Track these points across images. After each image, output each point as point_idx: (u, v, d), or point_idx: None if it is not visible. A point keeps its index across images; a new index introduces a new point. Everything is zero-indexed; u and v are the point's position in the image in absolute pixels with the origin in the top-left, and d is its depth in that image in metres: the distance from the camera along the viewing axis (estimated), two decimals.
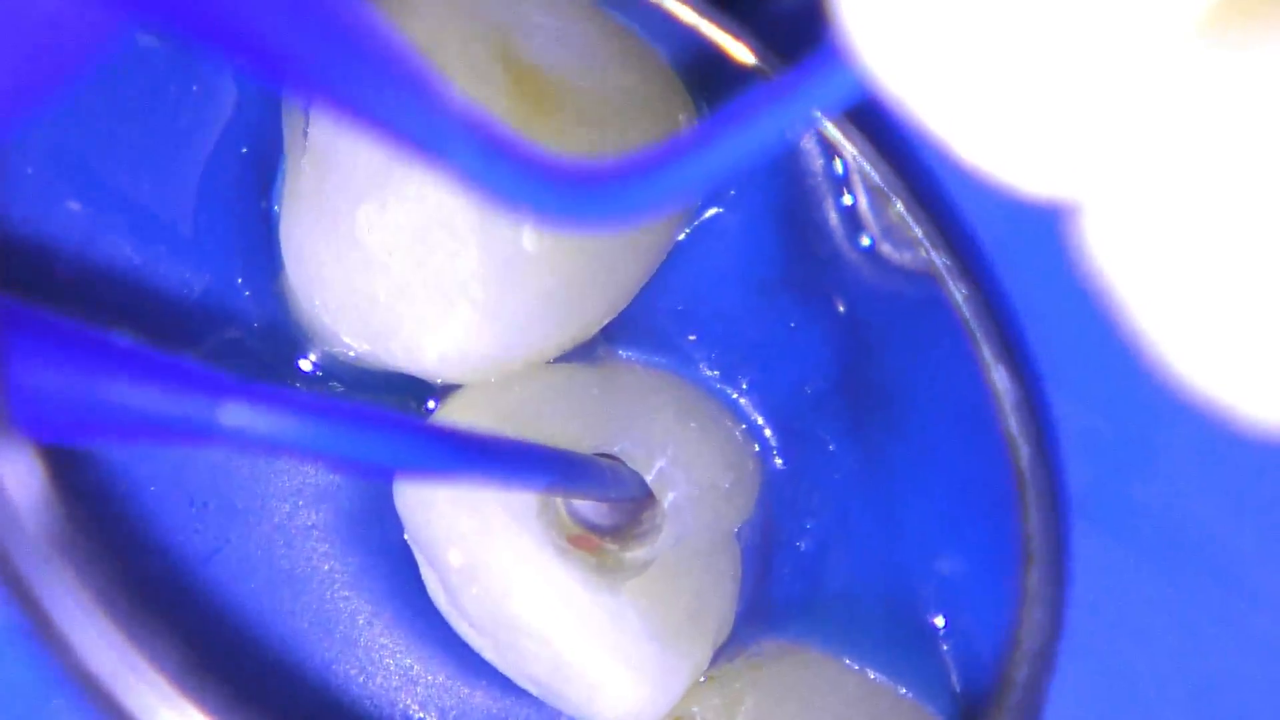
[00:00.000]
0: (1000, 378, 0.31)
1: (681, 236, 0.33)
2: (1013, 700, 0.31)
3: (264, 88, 0.32)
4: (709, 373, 0.33)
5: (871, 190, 0.32)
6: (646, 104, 0.31)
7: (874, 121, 0.31)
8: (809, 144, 0.33)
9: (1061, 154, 0.16)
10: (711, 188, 0.32)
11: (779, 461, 0.33)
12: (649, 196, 0.20)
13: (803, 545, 0.33)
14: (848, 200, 0.33)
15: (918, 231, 0.31)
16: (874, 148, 0.31)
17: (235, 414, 0.22)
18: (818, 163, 0.33)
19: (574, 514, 0.32)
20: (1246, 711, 0.32)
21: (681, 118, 0.32)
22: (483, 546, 0.30)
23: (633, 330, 0.33)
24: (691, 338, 0.33)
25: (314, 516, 0.33)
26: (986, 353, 0.31)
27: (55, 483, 0.28)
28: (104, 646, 0.27)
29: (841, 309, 0.33)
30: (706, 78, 0.32)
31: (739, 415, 0.33)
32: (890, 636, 0.33)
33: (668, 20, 0.31)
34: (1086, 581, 0.32)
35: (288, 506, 0.33)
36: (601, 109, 0.31)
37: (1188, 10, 0.15)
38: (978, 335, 0.31)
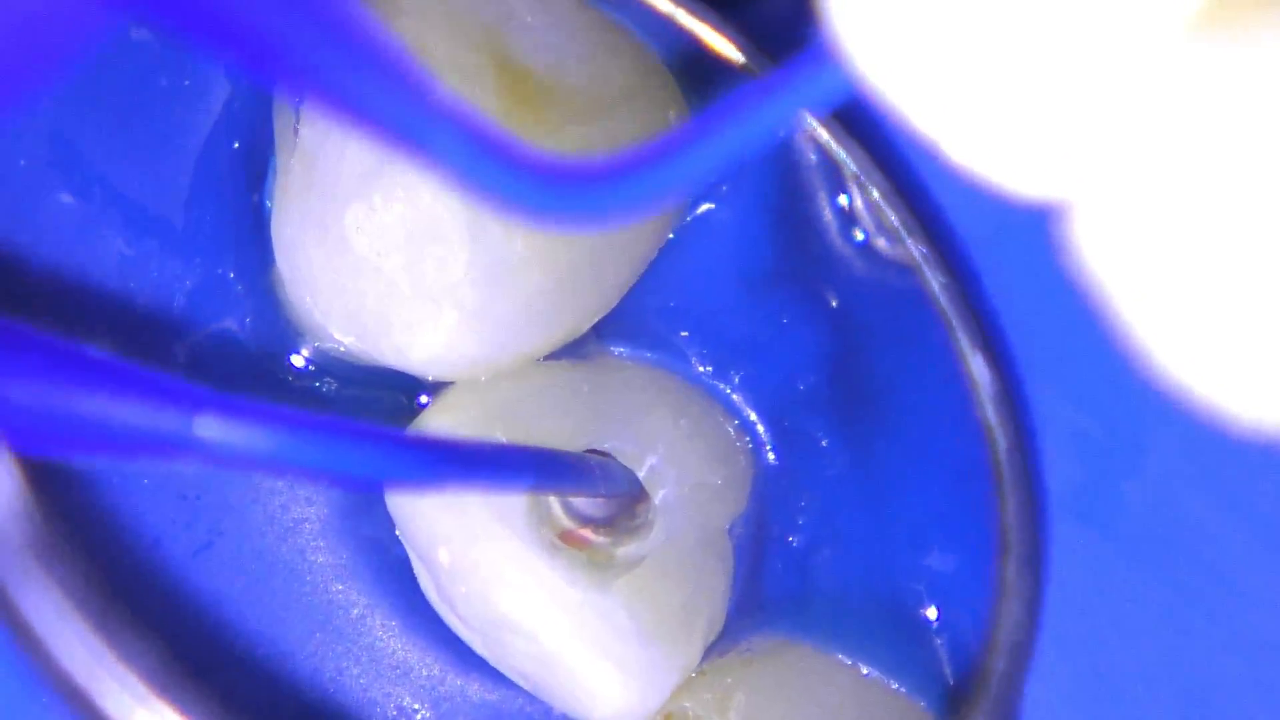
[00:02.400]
0: (978, 367, 0.31)
1: (672, 234, 0.33)
2: (991, 691, 0.31)
3: (255, 83, 0.32)
4: (701, 369, 0.33)
5: (865, 185, 0.32)
6: (637, 101, 0.31)
7: (850, 112, 0.32)
8: (802, 139, 0.33)
9: (1050, 153, 0.16)
10: (700, 186, 0.32)
11: (771, 457, 0.33)
12: (638, 194, 0.20)
13: (795, 541, 0.33)
14: (842, 199, 0.33)
15: (894, 220, 0.31)
16: (851, 137, 0.31)
17: (211, 427, 0.22)
18: (811, 158, 0.33)
19: (568, 509, 0.32)
20: (1235, 708, 0.32)
21: (672, 115, 0.32)
22: (469, 546, 0.30)
23: (624, 327, 0.33)
24: (683, 334, 0.33)
25: (307, 510, 0.33)
26: (964, 342, 0.31)
27: (39, 483, 0.28)
28: (81, 649, 0.27)
29: (834, 305, 0.33)
30: (696, 75, 0.32)
31: (731, 411, 0.33)
32: (882, 631, 0.33)
33: (658, 17, 0.31)
34: (1076, 579, 0.32)
35: (281, 499, 0.33)
36: (592, 106, 0.31)
37: (1177, 8, 0.15)
38: (955, 325, 0.31)
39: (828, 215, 0.33)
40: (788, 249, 0.33)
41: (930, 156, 0.32)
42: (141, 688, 0.28)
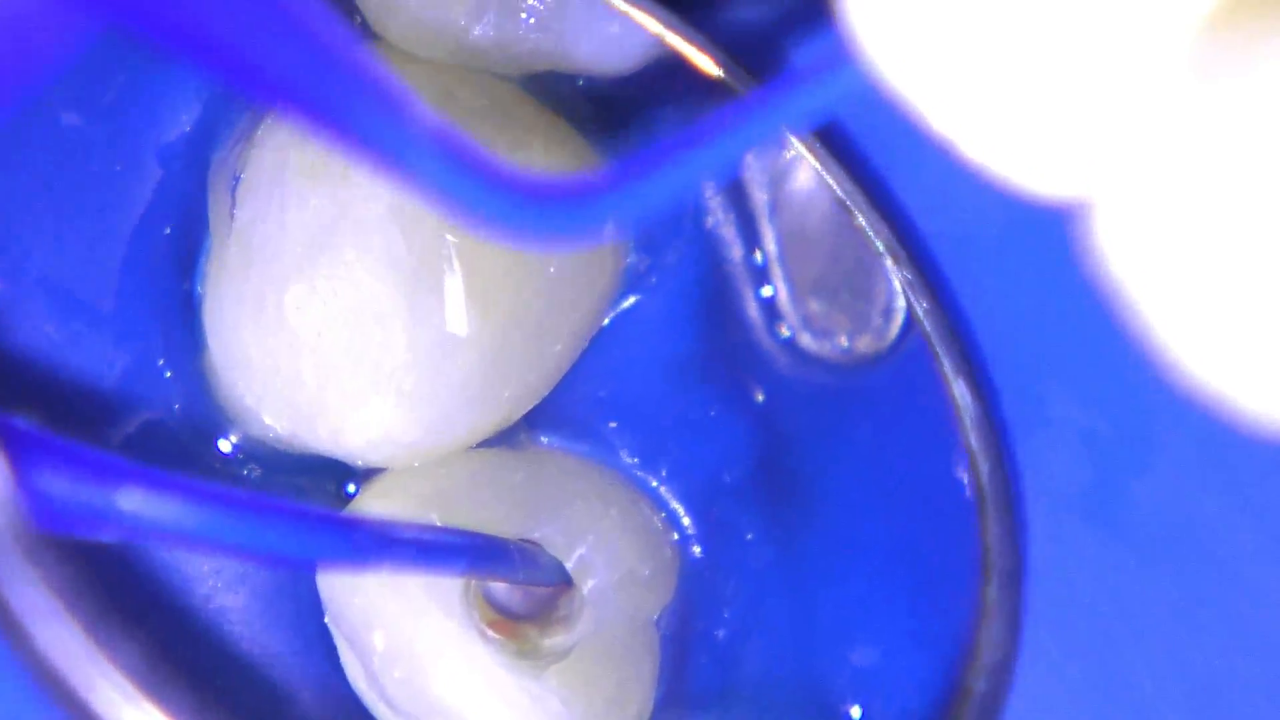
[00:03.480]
0: (960, 392, 0.31)
1: (606, 322, 0.33)
2: (971, 713, 0.31)
3: (232, 94, 0.32)
4: (628, 460, 0.33)
5: (792, 281, 0.33)
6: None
7: (835, 135, 0.32)
8: (729, 233, 0.33)
9: (1066, 152, 0.16)
10: (676, 204, 0.32)
11: (696, 550, 0.33)
12: (614, 210, 0.20)
13: (720, 634, 0.33)
14: (767, 291, 0.33)
15: (879, 245, 0.31)
16: (835, 160, 0.32)
17: (138, 501, 0.21)
18: (737, 252, 0.33)
19: (490, 599, 0.32)
20: (1245, 708, 0.32)
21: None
22: (407, 629, 0.30)
23: (553, 416, 0.33)
24: (611, 424, 0.33)
25: (232, 598, 0.33)
26: (947, 367, 0.31)
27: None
28: (70, 647, 0.26)
29: (760, 398, 0.33)
30: (668, 89, 0.32)
31: (658, 503, 0.33)
32: None
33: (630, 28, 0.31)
34: (1085, 579, 0.32)
35: (205, 588, 0.33)
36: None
37: (1192, 8, 0.15)
38: (938, 350, 0.31)
39: (753, 310, 0.33)
40: (714, 342, 0.33)
41: (911, 178, 0.32)
42: (130, 687, 0.28)
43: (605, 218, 0.19)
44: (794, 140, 0.31)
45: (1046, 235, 0.31)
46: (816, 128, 0.31)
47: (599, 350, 0.33)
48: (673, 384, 0.34)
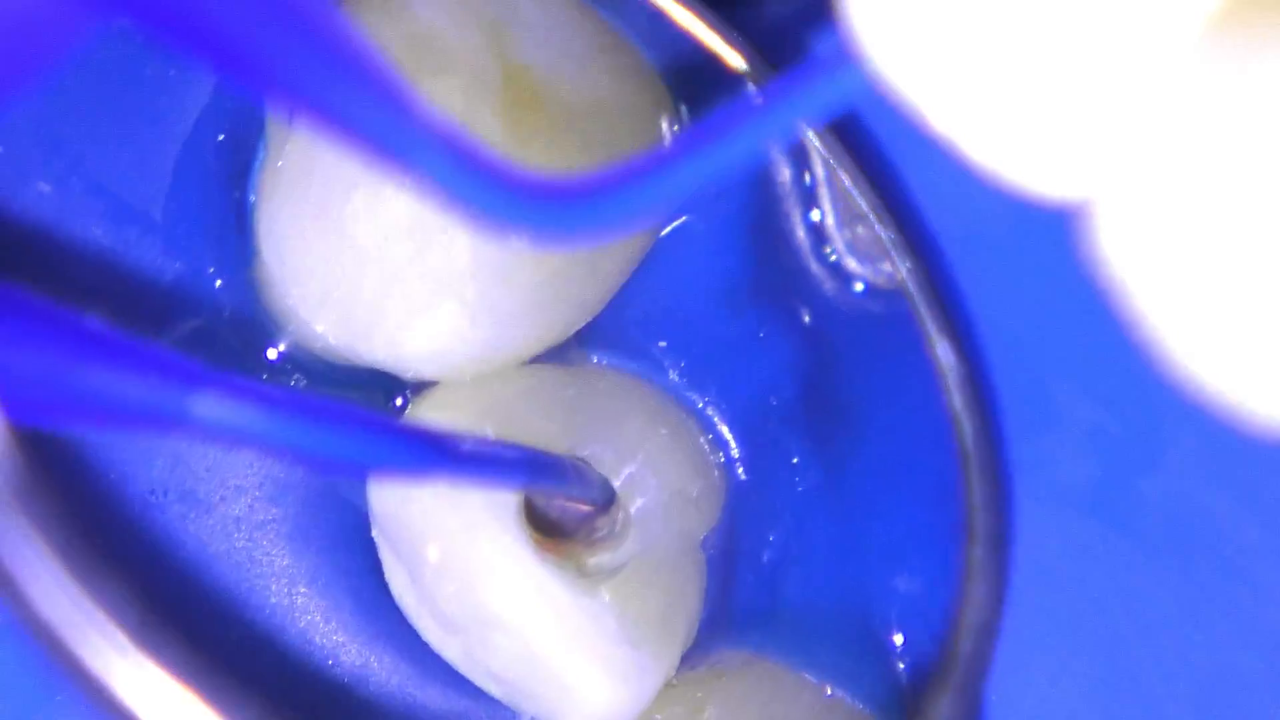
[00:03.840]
0: (944, 353, 0.31)
1: (661, 235, 0.33)
2: (957, 673, 0.31)
3: (239, 93, 0.32)
4: (677, 379, 0.33)
5: (839, 205, 0.33)
6: (630, 104, 0.31)
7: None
8: (778, 155, 0.33)
9: (1070, 153, 0.16)
10: (685, 203, 0.32)
11: (742, 472, 0.33)
12: (623, 212, 0.19)
13: (765, 557, 0.33)
14: (815, 215, 0.33)
15: (863, 204, 0.31)
16: (835, 139, 0.32)
17: (210, 405, 0.22)
18: (786, 174, 0.33)
19: (537, 517, 0.32)
20: (1251, 703, 0.32)
21: (663, 121, 0.32)
22: (463, 541, 0.30)
23: (604, 334, 0.33)
24: (661, 344, 0.33)
25: (274, 511, 0.33)
26: (930, 327, 0.31)
27: (24, 431, 0.28)
28: (63, 598, 0.26)
29: (807, 320, 0.33)
30: (694, 81, 0.32)
31: (705, 425, 0.33)
32: (848, 652, 0.33)
33: (658, 21, 0.31)
34: (1092, 575, 0.32)
35: (247, 499, 0.33)
36: (586, 110, 0.31)
37: (1196, 9, 0.15)
38: (921, 311, 0.31)
39: (801, 233, 0.33)
40: (763, 264, 0.33)
41: (923, 179, 0.32)
42: (123, 638, 0.28)
43: (612, 216, 0.19)
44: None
45: (1054, 234, 0.31)
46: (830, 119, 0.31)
47: (649, 269, 0.33)
48: (721, 304, 0.34)
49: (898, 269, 0.31)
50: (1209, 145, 0.16)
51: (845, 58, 0.17)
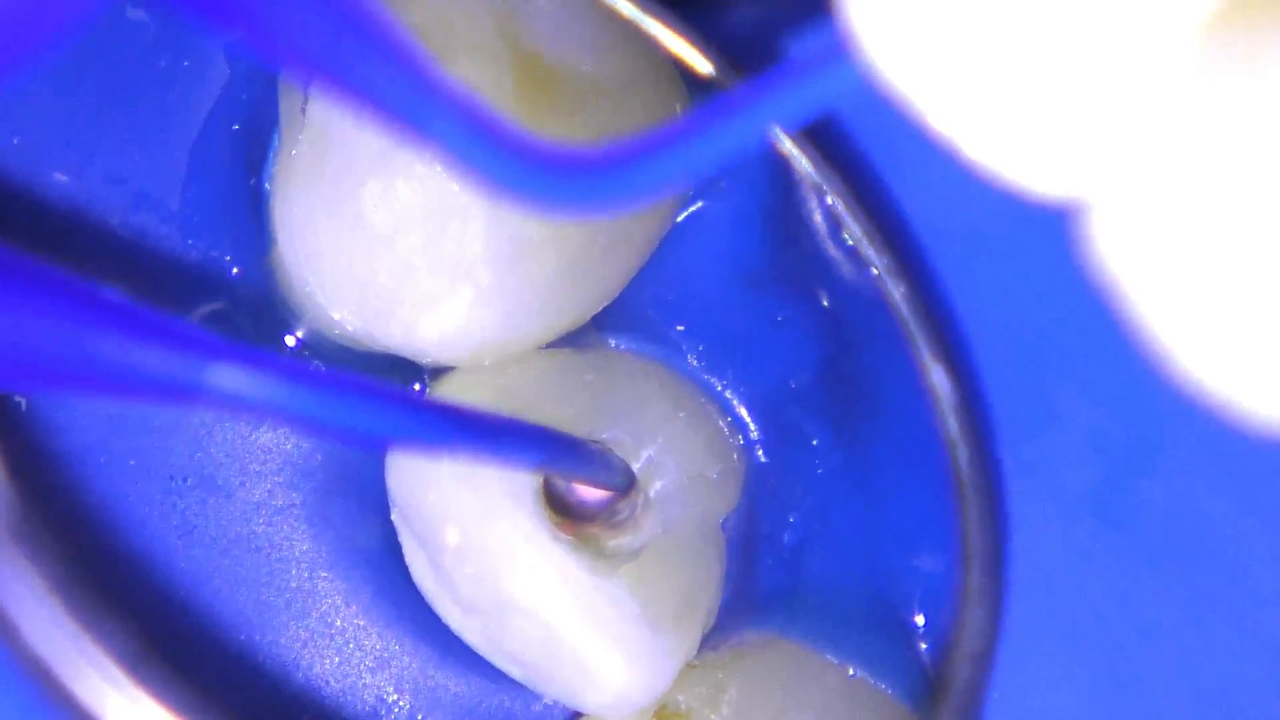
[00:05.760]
0: (939, 379, 0.31)
1: (678, 219, 0.33)
2: (953, 701, 0.31)
3: (257, 65, 0.32)
4: (695, 363, 0.33)
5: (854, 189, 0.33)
6: (642, 91, 0.31)
7: (831, 127, 0.32)
8: (795, 139, 0.33)
9: (1068, 152, 0.16)
10: (697, 179, 0.32)
11: (762, 455, 0.33)
12: (636, 184, 0.20)
13: (785, 538, 0.33)
14: (830, 200, 0.33)
15: (856, 230, 0.31)
16: (813, 146, 0.32)
17: (227, 376, 0.22)
18: (802, 160, 0.33)
19: (556, 500, 0.32)
20: (1253, 708, 0.32)
21: (676, 106, 0.32)
22: (482, 524, 0.30)
23: (622, 318, 0.33)
24: (679, 328, 0.33)
25: (293, 495, 0.33)
26: (925, 354, 0.31)
27: (17, 464, 0.28)
28: (57, 633, 0.26)
29: (826, 304, 0.33)
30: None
31: (724, 408, 0.33)
32: (870, 632, 0.33)
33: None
34: (1093, 579, 0.32)
35: (268, 484, 0.33)
36: (598, 95, 0.31)
37: (1195, 9, 0.15)
38: (916, 337, 0.31)
39: (818, 217, 0.33)
40: (781, 247, 0.33)
41: (919, 178, 0.32)
42: (117, 673, 0.28)
43: (624, 190, 0.19)
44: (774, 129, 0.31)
45: (1054, 235, 0.31)
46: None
47: (667, 252, 0.33)
48: (740, 287, 0.33)
49: (891, 294, 0.31)
50: (1209, 144, 0.15)
51: (840, 53, 0.17)
